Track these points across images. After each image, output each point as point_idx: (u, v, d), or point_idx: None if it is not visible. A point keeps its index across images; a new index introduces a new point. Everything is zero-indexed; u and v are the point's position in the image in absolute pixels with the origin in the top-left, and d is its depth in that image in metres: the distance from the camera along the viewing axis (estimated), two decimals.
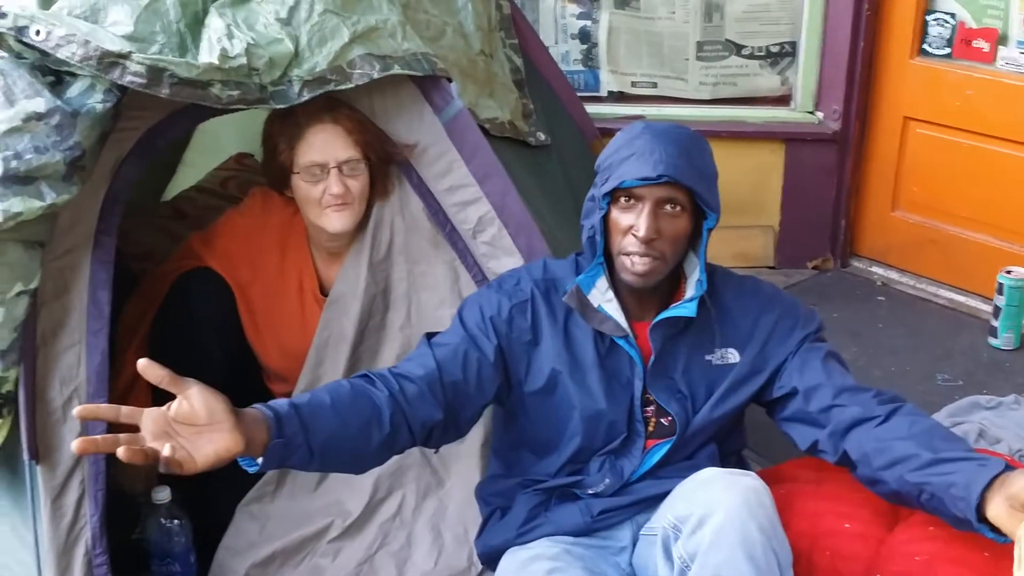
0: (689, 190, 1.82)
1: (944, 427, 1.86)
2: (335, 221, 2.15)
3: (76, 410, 1.49)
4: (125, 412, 1.48)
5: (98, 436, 1.45)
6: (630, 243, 1.84)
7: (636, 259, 1.84)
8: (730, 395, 1.94)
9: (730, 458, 2.04)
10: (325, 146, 2.10)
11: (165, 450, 1.43)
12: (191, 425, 1.49)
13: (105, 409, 1.51)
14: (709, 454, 1.97)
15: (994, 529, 1.64)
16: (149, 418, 1.47)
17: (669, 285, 1.94)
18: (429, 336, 1.94)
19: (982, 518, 1.64)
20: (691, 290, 1.91)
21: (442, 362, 1.86)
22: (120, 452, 1.40)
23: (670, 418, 1.93)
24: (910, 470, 1.75)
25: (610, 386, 1.92)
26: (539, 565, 1.85)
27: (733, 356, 1.94)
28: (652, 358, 1.91)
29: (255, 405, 1.62)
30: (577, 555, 1.89)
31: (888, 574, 1.89)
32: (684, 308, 1.88)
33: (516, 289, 1.96)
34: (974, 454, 1.73)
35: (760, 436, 2.30)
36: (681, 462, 1.95)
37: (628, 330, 1.89)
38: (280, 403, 1.65)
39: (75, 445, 1.43)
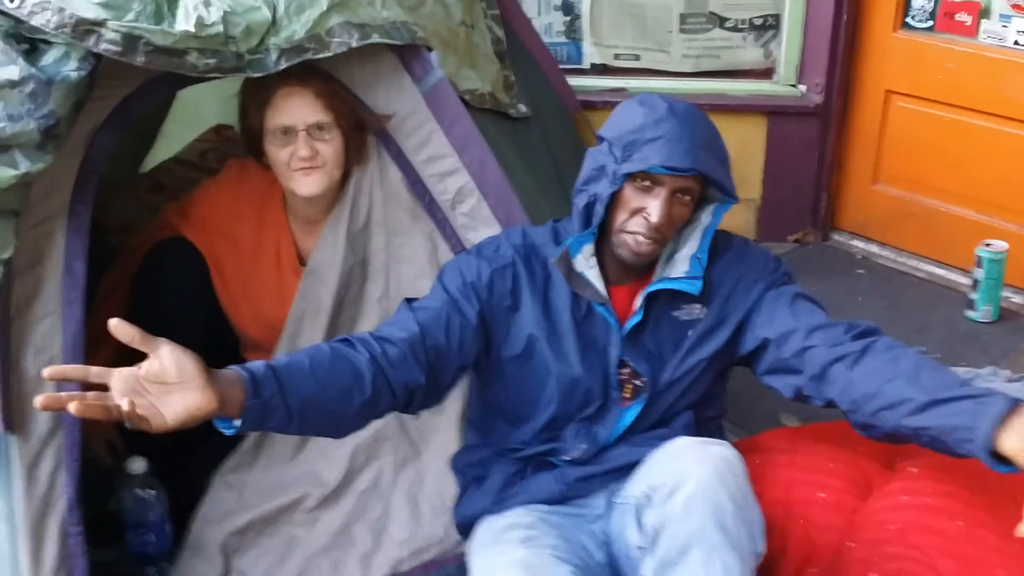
0: (708, 180, 1.85)
1: (927, 360, 1.82)
2: (304, 184, 2.14)
3: (45, 371, 1.49)
4: (95, 372, 1.48)
5: (62, 392, 1.44)
6: (638, 224, 1.86)
7: (641, 239, 1.86)
8: (696, 348, 1.96)
9: (708, 425, 2.05)
10: (293, 109, 2.10)
11: (124, 404, 1.42)
12: (161, 383, 1.49)
13: (74, 369, 1.51)
14: (685, 422, 1.98)
15: (1005, 462, 1.64)
16: (119, 378, 1.47)
17: None
18: (409, 301, 1.94)
19: (993, 454, 1.64)
20: (684, 264, 1.92)
21: (424, 325, 1.86)
22: (72, 406, 1.40)
23: (644, 380, 1.95)
24: (906, 415, 1.74)
25: (586, 352, 1.94)
26: (514, 533, 1.85)
27: (699, 311, 1.96)
28: (631, 323, 1.93)
29: (231, 367, 1.62)
30: (552, 523, 1.90)
31: (861, 543, 1.91)
32: (689, 284, 1.90)
33: (496, 255, 1.97)
34: (970, 390, 1.72)
35: (737, 407, 2.31)
36: (656, 429, 1.97)
37: (607, 296, 1.91)
38: (257, 364, 1.64)
39: (38, 400, 1.42)
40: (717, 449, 1.78)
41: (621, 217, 1.87)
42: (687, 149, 1.80)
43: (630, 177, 1.85)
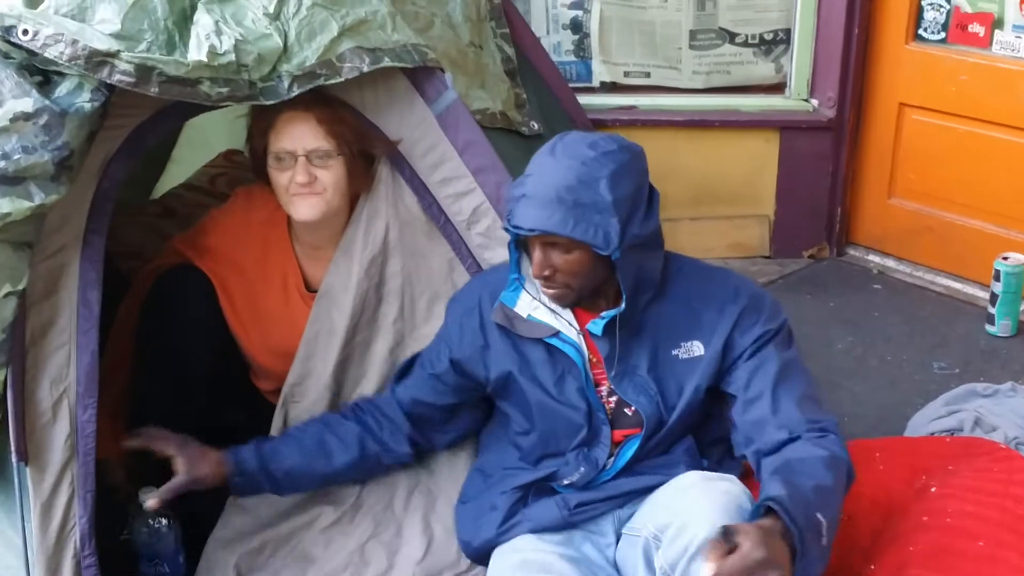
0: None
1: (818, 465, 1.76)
2: (300, 210, 2.14)
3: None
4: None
5: None
6: (535, 272, 1.88)
7: (542, 287, 1.90)
8: (700, 387, 1.94)
9: (716, 447, 2.04)
10: (295, 134, 2.09)
11: None
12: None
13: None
14: (686, 448, 1.97)
15: None
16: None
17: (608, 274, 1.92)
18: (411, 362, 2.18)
19: None
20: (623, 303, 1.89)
21: (409, 393, 2.14)
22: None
23: (632, 408, 1.94)
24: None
25: (562, 380, 1.95)
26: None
27: (698, 349, 1.94)
28: (606, 354, 1.93)
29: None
30: (570, 559, 1.89)
31: (884, 565, 1.90)
32: (594, 324, 1.90)
33: (465, 295, 2.08)
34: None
35: None
36: (657, 456, 1.96)
37: (561, 325, 1.92)
38: (245, 446, 2.09)
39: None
40: (723, 485, 1.78)
41: None
42: (536, 206, 1.79)
43: None
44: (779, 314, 1.98)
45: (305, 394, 2.20)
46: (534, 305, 1.94)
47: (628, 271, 1.84)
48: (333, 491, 2.21)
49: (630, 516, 1.94)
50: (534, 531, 1.94)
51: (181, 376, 2.25)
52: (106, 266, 2.01)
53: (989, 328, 3.28)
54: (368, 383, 2.23)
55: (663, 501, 1.84)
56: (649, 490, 1.91)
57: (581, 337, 1.94)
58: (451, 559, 2.14)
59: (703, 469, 1.92)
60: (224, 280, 2.30)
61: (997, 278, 3.21)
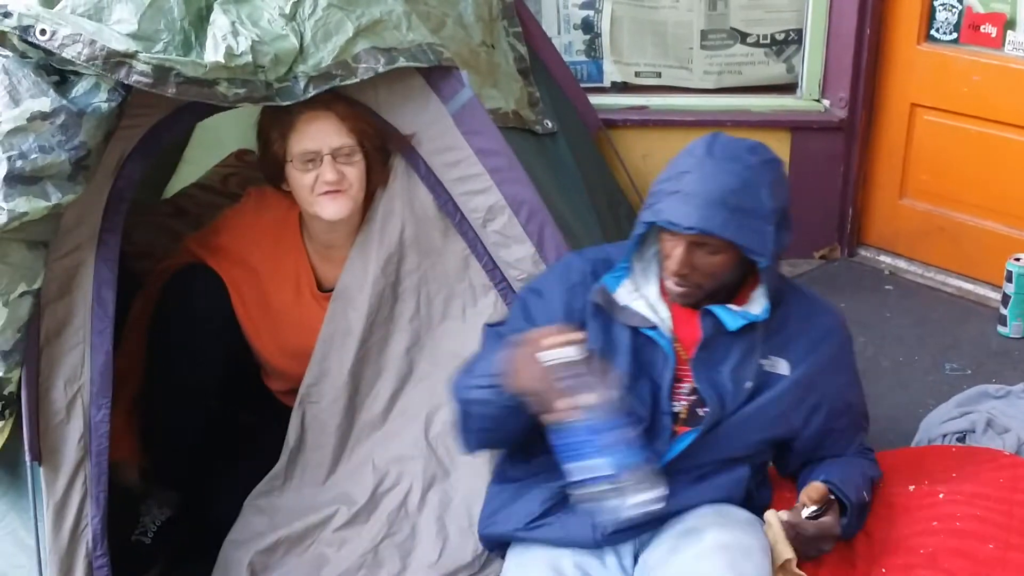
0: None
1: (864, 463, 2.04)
2: (329, 208, 2.13)
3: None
4: None
5: None
6: (668, 268, 1.85)
7: (672, 284, 1.87)
8: (770, 406, 1.91)
9: (759, 471, 2.02)
10: (318, 134, 2.09)
11: None
12: None
13: None
14: (738, 479, 1.93)
15: None
16: None
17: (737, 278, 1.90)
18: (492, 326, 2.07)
19: None
20: (755, 307, 1.89)
21: None
22: None
23: (706, 410, 1.90)
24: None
25: (638, 374, 1.91)
26: None
27: (783, 367, 1.92)
28: (699, 344, 1.89)
29: None
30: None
31: (893, 568, 1.89)
32: (731, 319, 1.86)
33: (567, 273, 1.99)
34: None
35: None
36: (706, 479, 1.92)
37: (657, 321, 1.90)
38: None
39: None
40: (750, 565, 1.78)
41: (663, 258, 1.87)
42: (698, 205, 1.76)
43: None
44: (851, 349, 2.07)
45: (322, 394, 2.19)
46: (633, 296, 1.92)
47: (771, 279, 1.85)
48: (347, 490, 2.21)
49: (650, 538, 1.91)
50: (559, 543, 1.89)
51: (193, 376, 2.25)
52: (120, 266, 2.01)
53: (1001, 329, 3.27)
54: (385, 382, 2.23)
55: (686, 568, 1.80)
56: (686, 510, 1.89)
57: (674, 337, 1.92)
58: (465, 560, 2.13)
59: (742, 506, 1.92)
60: (236, 280, 2.30)
61: (1009, 279, 3.20)
